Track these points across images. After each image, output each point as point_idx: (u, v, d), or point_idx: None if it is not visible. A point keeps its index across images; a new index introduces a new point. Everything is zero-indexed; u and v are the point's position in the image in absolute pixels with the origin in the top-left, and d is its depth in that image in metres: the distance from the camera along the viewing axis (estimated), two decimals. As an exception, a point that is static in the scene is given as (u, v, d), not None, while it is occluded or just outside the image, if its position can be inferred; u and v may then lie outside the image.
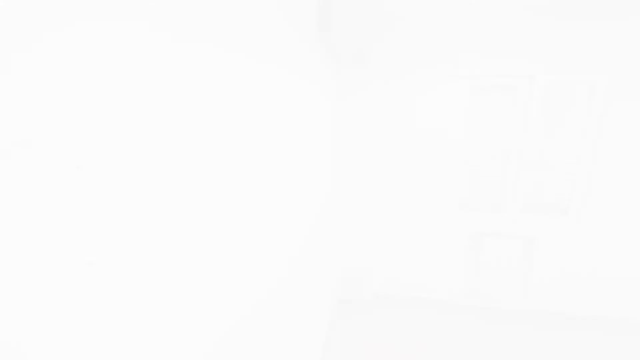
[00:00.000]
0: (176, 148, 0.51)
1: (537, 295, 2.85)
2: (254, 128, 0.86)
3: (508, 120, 2.66)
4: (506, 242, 2.80)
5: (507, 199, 2.75)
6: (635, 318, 2.71)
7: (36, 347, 0.33)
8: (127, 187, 0.43)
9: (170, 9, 0.49)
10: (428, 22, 2.65)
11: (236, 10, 0.74)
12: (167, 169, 0.50)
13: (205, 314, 0.66)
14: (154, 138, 0.46)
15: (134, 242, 0.44)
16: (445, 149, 2.79)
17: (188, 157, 0.55)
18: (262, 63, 0.92)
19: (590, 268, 2.73)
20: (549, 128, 2.62)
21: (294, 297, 1.46)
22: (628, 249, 2.64)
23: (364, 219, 2.88)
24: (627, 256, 2.65)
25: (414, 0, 2.34)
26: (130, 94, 0.42)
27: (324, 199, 2.20)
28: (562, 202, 2.71)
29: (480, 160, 2.77)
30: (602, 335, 2.65)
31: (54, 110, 0.34)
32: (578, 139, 2.60)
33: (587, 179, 2.61)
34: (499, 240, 2.81)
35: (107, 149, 0.40)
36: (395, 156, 2.90)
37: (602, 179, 2.60)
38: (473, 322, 2.79)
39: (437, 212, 2.89)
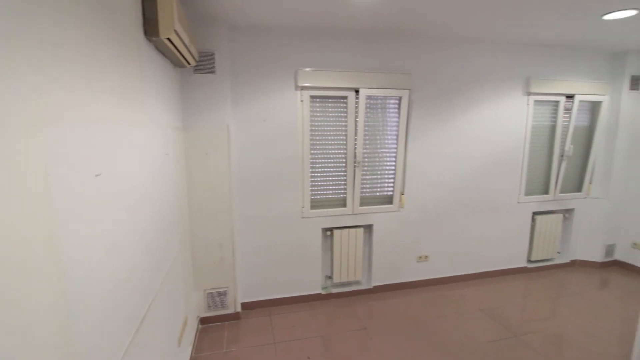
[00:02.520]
0: None
1: (377, 270, 3.39)
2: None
3: (343, 126, 3.05)
4: (351, 231, 3.21)
5: (349, 194, 3.15)
6: (446, 275, 3.57)
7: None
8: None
9: None
10: (271, 34, 2.75)
11: None
12: None
13: None
14: None
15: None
16: (294, 153, 2.97)
17: None
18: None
19: (409, 243, 3.43)
20: (373, 134, 3.14)
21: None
22: (423, 227, 3.46)
23: (223, 230, 2.78)
24: (434, 233, 3.47)
25: (259, 15, 2.38)
26: None
27: (171, 208, 2.01)
28: (388, 194, 3.30)
29: (325, 162, 3.08)
30: (429, 300, 3.37)
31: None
32: (394, 142, 3.21)
33: (402, 173, 3.26)
34: (345, 231, 3.20)
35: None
36: (246, 161, 2.90)
37: (411, 172, 3.30)
38: (332, 309, 3.10)
39: (292, 214, 3.06)
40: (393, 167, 3.26)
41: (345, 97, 2.99)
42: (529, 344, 2.57)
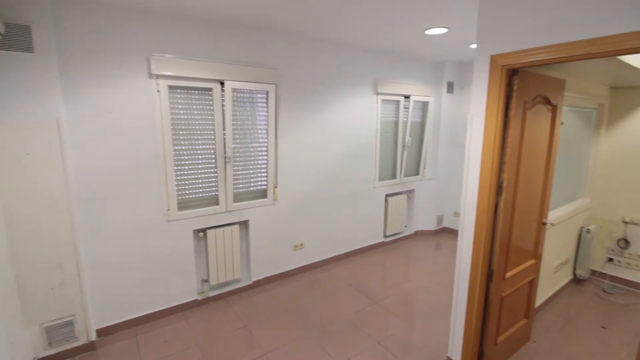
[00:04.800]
0: None
1: (255, 265, 3.39)
2: None
3: (210, 120, 2.88)
4: (226, 229, 3.10)
5: (221, 191, 3.02)
6: (318, 261, 3.84)
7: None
8: None
9: None
10: (115, 11, 2.34)
11: None
12: None
13: None
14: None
15: None
16: (154, 149, 2.65)
17: None
18: None
19: (285, 234, 3.56)
20: (243, 128, 3.08)
21: None
22: (306, 217, 3.66)
23: (61, 247, 2.27)
24: (304, 223, 3.67)
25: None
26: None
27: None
28: (262, 188, 3.32)
29: (192, 158, 2.85)
30: (306, 285, 3.55)
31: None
32: (265, 136, 3.23)
33: (274, 166, 3.32)
34: (220, 229, 3.07)
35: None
36: (90, 161, 2.44)
37: (282, 165, 3.40)
38: (211, 313, 2.94)
39: (155, 219, 2.74)
40: (265, 161, 3.28)
41: (210, 89, 2.82)
42: (387, 307, 3.03)
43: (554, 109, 2.19)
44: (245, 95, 3.05)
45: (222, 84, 2.86)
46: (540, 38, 1.60)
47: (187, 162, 2.84)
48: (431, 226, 4.98)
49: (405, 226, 4.83)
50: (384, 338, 2.59)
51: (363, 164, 4.09)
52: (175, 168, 2.78)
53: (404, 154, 4.45)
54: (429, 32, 3.04)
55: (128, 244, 2.65)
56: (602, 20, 1.39)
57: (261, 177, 3.30)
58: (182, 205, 2.88)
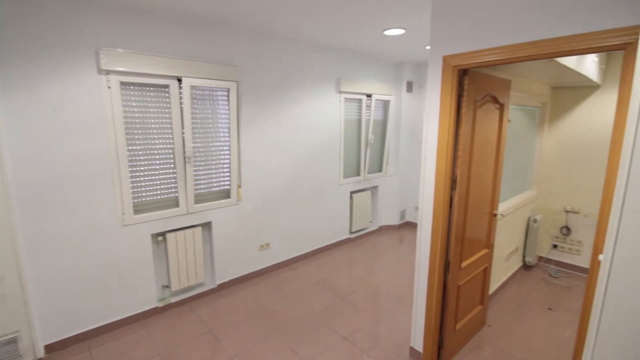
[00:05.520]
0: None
1: (220, 267, 3.31)
2: None
3: (167, 119, 2.76)
4: (187, 232, 2.99)
5: (181, 192, 2.90)
6: (282, 260, 3.81)
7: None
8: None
9: None
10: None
11: None
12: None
13: None
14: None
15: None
16: (105, 149, 2.50)
17: None
18: None
19: (250, 234, 3.50)
20: (204, 126, 2.99)
21: None
22: (270, 217, 3.63)
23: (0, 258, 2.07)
24: (269, 222, 3.64)
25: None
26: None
27: None
28: (225, 188, 3.24)
29: (149, 159, 2.72)
30: (272, 285, 3.52)
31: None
32: (227, 135, 3.15)
33: (237, 165, 3.25)
34: (181, 232, 2.95)
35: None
36: (32, 163, 2.24)
37: (246, 164, 3.34)
38: (173, 320, 2.83)
39: (109, 224, 2.58)
40: (228, 161, 3.20)
41: (166, 86, 2.70)
42: (353, 302, 3.08)
43: (502, 108, 2.34)
44: (205, 92, 2.96)
45: (179, 80, 2.75)
46: (488, 40, 1.70)
47: (143, 163, 2.70)
48: (395, 221, 5.13)
49: (370, 222, 4.94)
50: (351, 333, 2.63)
51: (328, 162, 4.12)
52: (130, 169, 2.64)
53: (367, 151, 4.54)
54: (388, 32, 3.12)
55: (79, 251, 2.47)
56: (543, 24, 1.50)
57: (224, 176, 3.21)
58: (139, 208, 2.74)
